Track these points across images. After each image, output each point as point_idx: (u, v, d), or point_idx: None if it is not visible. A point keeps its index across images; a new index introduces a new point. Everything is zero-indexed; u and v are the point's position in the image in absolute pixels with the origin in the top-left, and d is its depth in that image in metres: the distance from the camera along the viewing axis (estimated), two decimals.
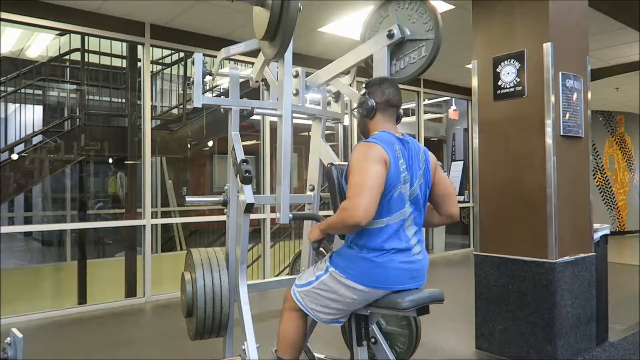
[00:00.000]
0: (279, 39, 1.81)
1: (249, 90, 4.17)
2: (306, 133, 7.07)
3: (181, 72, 6.56)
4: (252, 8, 1.94)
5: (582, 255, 3.08)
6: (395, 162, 1.78)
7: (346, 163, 2.09)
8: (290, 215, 2.11)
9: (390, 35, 2.24)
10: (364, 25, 2.51)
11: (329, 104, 2.65)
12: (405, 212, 1.81)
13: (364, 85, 2.00)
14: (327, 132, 2.64)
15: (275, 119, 2.21)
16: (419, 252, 1.87)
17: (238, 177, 2.17)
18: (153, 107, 5.81)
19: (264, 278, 5.47)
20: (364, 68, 2.45)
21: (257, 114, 2.22)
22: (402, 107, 2.24)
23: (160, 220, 6.27)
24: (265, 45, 1.95)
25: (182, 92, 6.88)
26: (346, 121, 2.37)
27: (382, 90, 1.94)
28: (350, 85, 2.61)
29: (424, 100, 7.62)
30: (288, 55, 1.96)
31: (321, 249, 2.54)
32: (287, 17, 1.75)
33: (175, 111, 7.03)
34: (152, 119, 5.19)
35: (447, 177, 2.05)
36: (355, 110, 2.02)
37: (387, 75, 2.23)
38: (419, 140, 7.24)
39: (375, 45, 2.31)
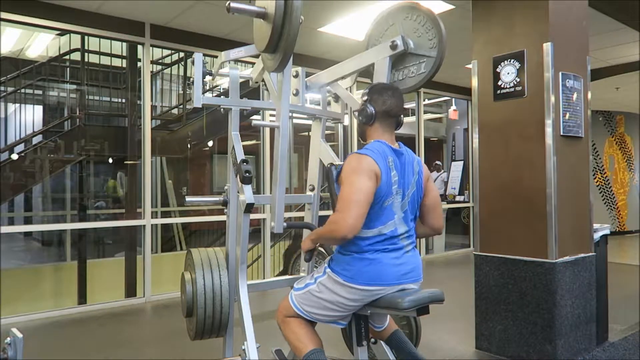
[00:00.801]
0: (281, 52, 1.78)
1: (249, 90, 4.18)
2: (306, 133, 7.07)
3: (181, 72, 6.56)
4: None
5: (582, 255, 3.08)
6: (387, 174, 1.80)
7: None
8: (285, 224, 2.15)
9: (393, 47, 2.23)
10: (370, 28, 2.48)
11: (329, 104, 2.65)
12: (395, 222, 1.84)
13: (366, 91, 1.99)
14: (327, 132, 2.64)
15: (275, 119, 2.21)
16: (409, 250, 1.89)
17: (238, 177, 2.17)
18: (153, 107, 5.82)
19: (264, 278, 5.47)
20: (365, 69, 2.45)
21: (255, 125, 2.21)
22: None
23: (160, 220, 6.27)
24: (266, 57, 1.92)
25: (182, 92, 6.88)
26: (346, 121, 2.37)
27: (384, 99, 1.93)
28: (350, 88, 2.60)
29: (424, 100, 7.62)
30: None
31: (321, 249, 2.54)
32: (289, 30, 1.71)
33: (175, 111, 7.03)
34: (152, 119, 5.19)
35: (436, 189, 2.06)
36: (355, 113, 2.02)
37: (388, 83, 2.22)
38: (418, 140, 7.26)
39: (377, 55, 2.30)
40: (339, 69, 2.44)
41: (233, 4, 1.81)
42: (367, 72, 2.45)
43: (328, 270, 1.89)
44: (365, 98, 1.97)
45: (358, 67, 2.37)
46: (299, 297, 1.96)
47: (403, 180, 1.87)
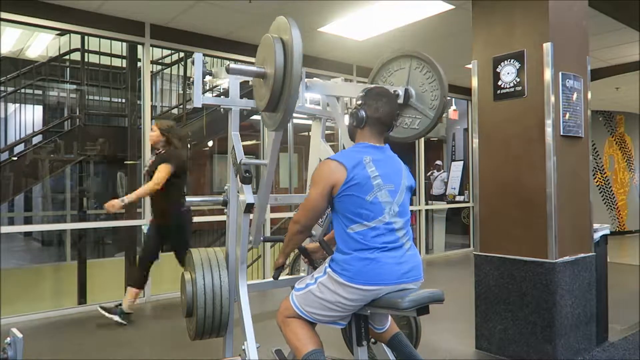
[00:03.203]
0: (281, 112, 1.77)
1: (249, 90, 4.19)
2: (306, 133, 7.07)
3: (181, 72, 6.56)
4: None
5: (582, 255, 3.08)
6: (361, 170, 1.84)
7: None
8: (261, 239, 2.38)
9: (394, 96, 2.20)
10: (383, 60, 2.42)
11: (328, 104, 2.65)
12: (384, 219, 1.84)
13: (361, 94, 1.99)
14: (327, 132, 2.64)
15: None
16: (409, 248, 1.90)
17: (238, 177, 2.17)
18: (153, 107, 5.81)
19: (264, 278, 5.48)
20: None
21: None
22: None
23: None
24: (266, 116, 1.93)
25: (182, 92, 6.88)
26: (346, 121, 2.38)
27: (377, 106, 1.94)
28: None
29: None
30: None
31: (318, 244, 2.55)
32: (289, 91, 1.70)
33: (175, 111, 7.03)
34: (152, 119, 5.18)
35: None
36: (348, 111, 2.05)
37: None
38: (418, 140, 7.25)
39: None
40: (337, 87, 2.44)
41: (232, 66, 1.85)
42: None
43: (328, 270, 1.89)
44: (359, 102, 1.98)
45: (354, 95, 2.36)
46: (299, 298, 1.96)
47: (389, 175, 1.90)
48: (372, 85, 2.08)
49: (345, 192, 1.83)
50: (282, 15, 1.80)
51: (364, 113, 1.94)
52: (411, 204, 2.07)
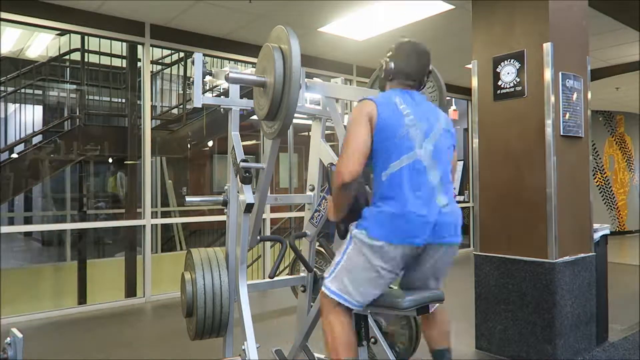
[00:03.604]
0: (280, 121, 1.79)
1: (249, 90, 4.18)
2: (306, 133, 7.06)
3: (181, 72, 6.56)
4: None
5: (582, 255, 3.08)
6: (392, 109, 1.80)
7: None
8: (258, 238, 2.31)
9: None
10: (384, 64, 2.42)
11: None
12: (416, 154, 1.77)
13: (393, 46, 1.95)
14: (327, 132, 2.64)
15: None
16: (445, 204, 1.79)
17: (238, 177, 2.17)
18: (153, 107, 5.82)
19: (264, 278, 5.47)
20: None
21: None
22: None
23: (160, 220, 6.27)
24: (265, 124, 1.94)
25: (182, 92, 6.88)
26: (346, 121, 2.37)
27: (407, 62, 1.90)
28: (350, 82, 2.60)
29: None
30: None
31: (320, 248, 2.55)
32: (288, 100, 1.71)
33: (175, 111, 7.03)
34: (152, 119, 5.18)
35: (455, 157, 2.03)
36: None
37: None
38: None
39: None
40: (336, 89, 2.43)
41: (232, 75, 1.84)
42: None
43: (355, 231, 1.80)
44: (389, 53, 1.93)
45: (354, 99, 2.36)
46: (333, 281, 1.84)
47: (422, 114, 1.83)
48: (405, 39, 2.00)
49: (379, 129, 1.77)
50: (281, 25, 1.79)
51: (392, 65, 1.91)
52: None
